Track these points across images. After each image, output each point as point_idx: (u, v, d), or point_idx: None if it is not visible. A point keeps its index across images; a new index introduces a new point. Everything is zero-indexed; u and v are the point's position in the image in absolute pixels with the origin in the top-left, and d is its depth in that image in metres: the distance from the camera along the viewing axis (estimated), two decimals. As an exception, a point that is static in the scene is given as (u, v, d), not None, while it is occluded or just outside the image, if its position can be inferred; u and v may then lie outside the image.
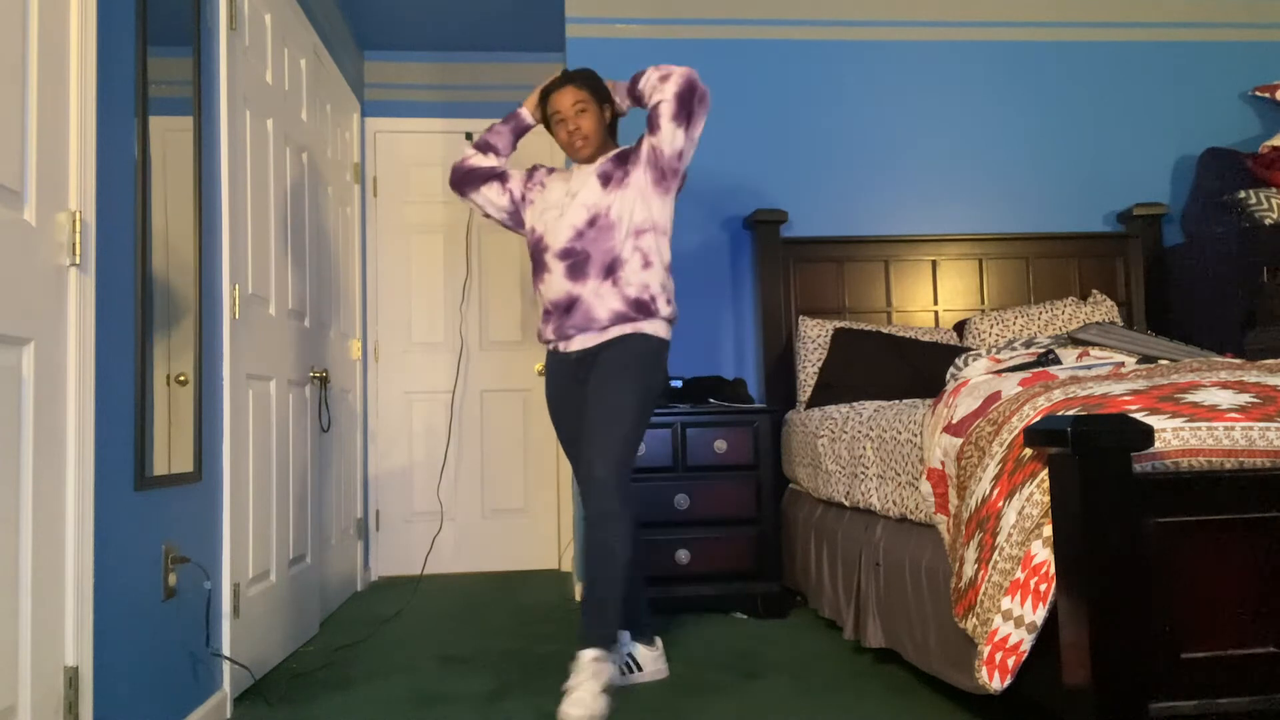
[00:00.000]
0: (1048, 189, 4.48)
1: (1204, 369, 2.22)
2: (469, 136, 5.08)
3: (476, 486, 5.02)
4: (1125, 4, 4.58)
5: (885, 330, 4.04)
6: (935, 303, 4.30)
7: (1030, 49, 4.52)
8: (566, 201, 2.82)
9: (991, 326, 4.06)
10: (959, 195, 4.44)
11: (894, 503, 2.76)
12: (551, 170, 3.01)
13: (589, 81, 2.86)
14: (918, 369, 3.77)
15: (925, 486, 2.40)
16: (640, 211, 2.77)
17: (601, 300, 2.73)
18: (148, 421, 2.22)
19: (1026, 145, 4.48)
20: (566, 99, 2.83)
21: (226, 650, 2.65)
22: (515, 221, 2.98)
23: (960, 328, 4.19)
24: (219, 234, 2.74)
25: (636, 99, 2.85)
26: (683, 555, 3.64)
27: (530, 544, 5.03)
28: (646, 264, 2.75)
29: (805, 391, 4.02)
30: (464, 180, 2.99)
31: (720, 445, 3.68)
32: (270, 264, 3.16)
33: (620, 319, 2.73)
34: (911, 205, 4.42)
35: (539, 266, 2.86)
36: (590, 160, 2.86)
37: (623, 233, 2.74)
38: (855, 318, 4.25)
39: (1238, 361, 2.40)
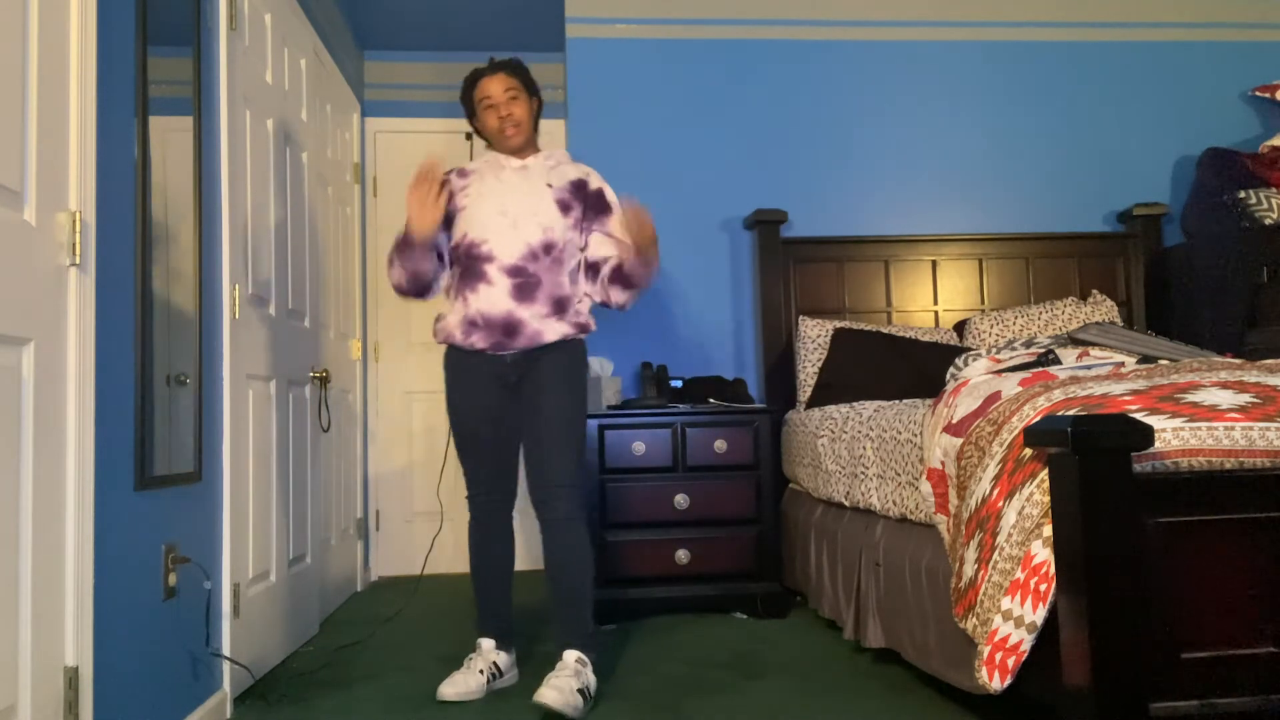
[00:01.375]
0: (1048, 189, 4.48)
1: (1204, 369, 2.22)
2: (469, 137, 5.10)
3: (476, 486, 5.02)
4: (1125, 4, 4.58)
5: (885, 330, 4.04)
6: (935, 303, 4.30)
7: (1030, 49, 4.53)
8: (514, 205, 2.71)
9: (991, 326, 4.06)
10: (959, 195, 4.44)
11: (894, 503, 2.76)
12: (465, 171, 2.84)
13: (520, 71, 2.80)
14: (918, 369, 3.77)
15: (925, 486, 2.40)
16: (578, 255, 2.80)
17: (551, 328, 2.72)
18: (148, 421, 2.22)
19: (1027, 145, 4.49)
20: (498, 84, 2.76)
21: (226, 650, 2.65)
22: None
23: (960, 328, 4.19)
24: (219, 234, 2.74)
25: (617, 274, 2.76)
26: (683, 555, 3.64)
27: (530, 544, 5.03)
28: (584, 300, 2.83)
29: (805, 391, 4.02)
30: (418, 296, 2.81)
31: (720, 445, 3.68)
32: (270, 264, 3.16)
33: (566, 337, 2.76)
34: (911, 205, 4.42)
35: (474, 275, 2.70)
36: (518, 152, 2.79)
37: (569, 272, 2.77)
38: (855, 318, 4.25)
39: (1238, 361, 2.40)
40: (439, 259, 2.79)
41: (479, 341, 2.72)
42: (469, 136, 5.12)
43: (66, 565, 1.86)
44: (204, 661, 2.54)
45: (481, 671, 2.75)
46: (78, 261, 1.90)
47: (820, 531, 3.45)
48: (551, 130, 5.14)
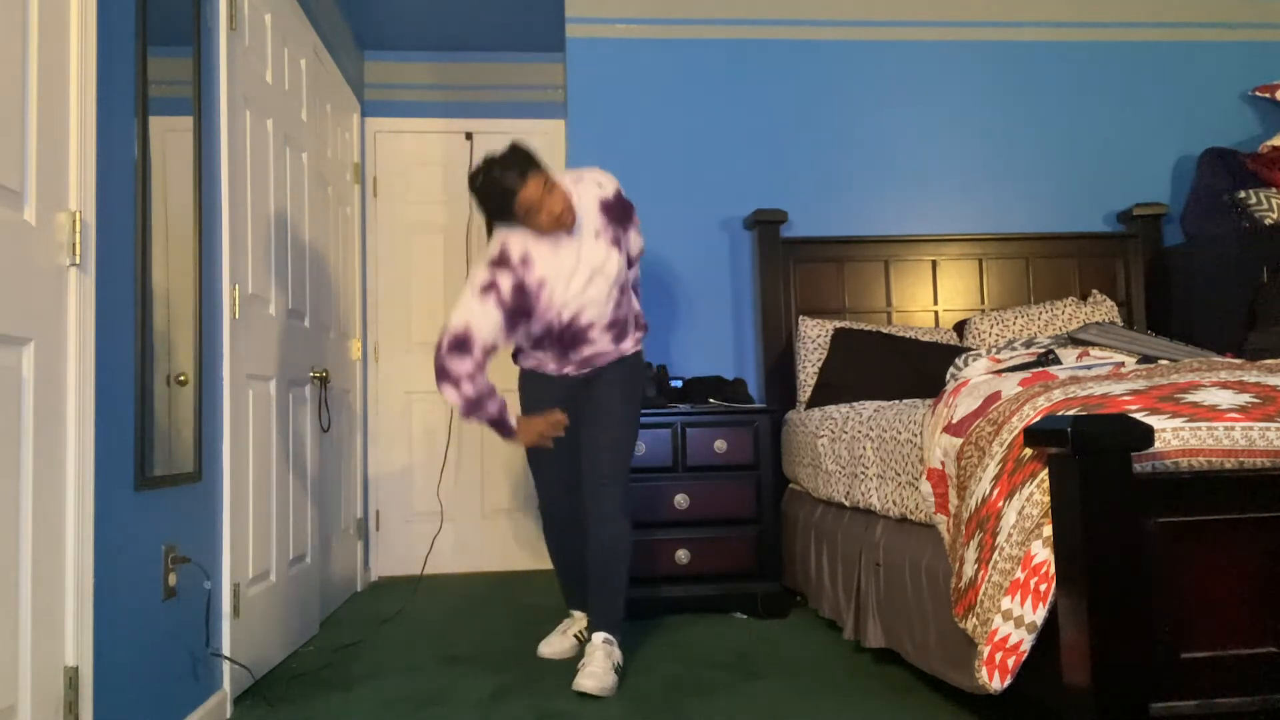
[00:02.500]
0: (1047, 189, 4.48)
1: (1204, 369, 2.22)
2: (468, 137, 5.10)
3: (476, 486, 5.02)
4: (1125, 4, 4.58)
5: (885, 330, 4.04)
6: (935, 303, 4.30)
7: (1030, 49, 4.53)
8: (585, 274, 2.80)
9: (991, 326, 4.06)
10: (959, 195, 4.44)
11: (894, 503, 2.76)
12: (522, 257, 2.74)
13: (533, 160, 2.69)
14: (918, 369, 3.77)
15: (925, 486, 2.40)
16: (628, 269, 2.96)
17: (619, 347, 2.99)
18: (148, 421, 2.22)
19: (1026, 145, 4.49)
20: (533, 190, 2.64)
21: (226, 650, 2.65)
22: (509, 331, 2.78)
23: (960, 328, 4.19)
24: (219, 234, 2.74)
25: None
26: (683, 555, 3.64)
27: (530, 544, 5.03)
28: (636, 330, 3.06)
29: (805, 391, 4.02)
30: (477, 405, 2.80)
31: (720, 445, 3.68)
32: (270, 264, 3.16)
33: (620, 353, 3.02)
34: (911, 205, 4.42)
35: (578, 340, 2.88)
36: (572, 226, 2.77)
37: (629, 287, 2.99)
38: (855, 318, 4.25)
39: (1238, 361, 2.40)
40: (482, 352, 2.78)
41: (572, 371, 3.00)
42: (469, 137, 5.12)
43: (66, 565, 1.86)
44: (204, 661, 2.54)
45: (576, 636, 3.17)
46: (78, 261, 1.90)
47: (820, 531, 3.45)
48: (551, 130, 5.14)
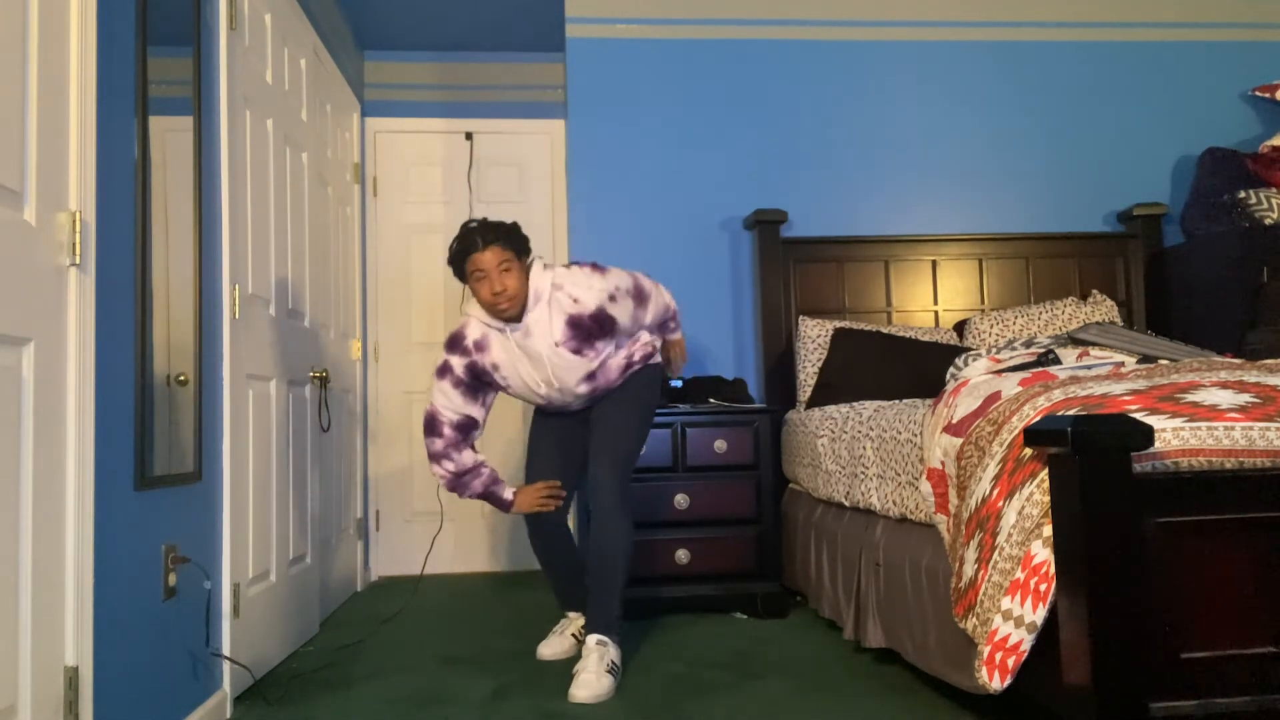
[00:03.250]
0: (1047, 189, 4.48)
1: (1204, 369, 2.22)
2: (469, 137, 5.10)
3: (476, 486, 5.02)
4: (1125, 4, 4.58)
5: (885, 330, 4.04)
6: (935, 303, 4.30)
7: (1030, 49, 4.53)
8: (552, 378, 2.88)
9: (991, 326, 4.06)
10: (959, 195, 4.44)
11: (894, 503, 2.76)
12: (479, 343, 2.89)
13: (511, 239, 2.78)
14: (918, 369, 3.77)
15: (925, 486, 2.40)
16: (625, 333, 2.96)
17: (616, 372, 2.99)
18: (148, 421, 2.22)
19: (1026, 145, 4.49)
20: (491, 257, 2.73)
21: (226, 650, 2.65)
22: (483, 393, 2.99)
23: (960, 328, 4.19)
24: (219, 234, 2.74)
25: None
26: (683, 555, 3.64)
27: (530, 544, 5.03)
28: (642, 343, 3.06)
29: (805, 391, 4.02)
30: (461, 486, 3.02)
31: (720, 445, 3.68)
32: (270, 264, 3.16)
33: (630, 368, 3.03)
34: (911, 205, 4.42)
35: (568, 395, 2.97)
36: (516, 319, 2.82)
37: (623, 350, 2.99)
38: (855, 318, 4.25)
39: (1238, 361, 2.40)
40: (463, 429, 2.97)
41: (560, 407, 3.08)
42: (469, 137, 5.12)
43: (66, 565, 1.86)
44: (204, 661, 2.54)
45: (575, 635, 3.15)
46: (78, 261, 1.90)
47: (820, 531, 3.45)
48: (551, 130, 5.14)
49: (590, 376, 2.91)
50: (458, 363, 2.88)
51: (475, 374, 2.89)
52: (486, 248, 2.74)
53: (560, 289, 2.81)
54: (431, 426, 2.91)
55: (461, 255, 2.79)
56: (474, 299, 2.86)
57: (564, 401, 2.98)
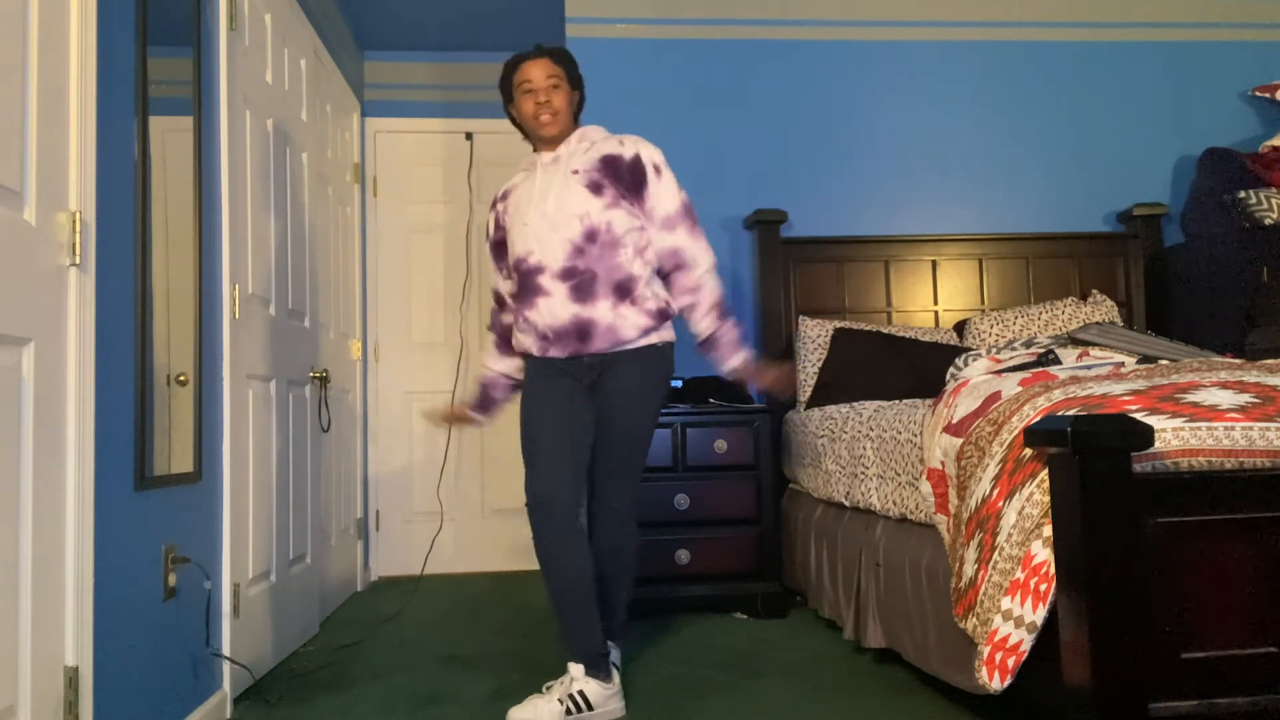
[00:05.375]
0: (1048, 189, 4.48)
1: (1204, 369, 2.22)
2: (469, 137, 5.10)
3: (476, 486, 5.02)
4: (1125, 4, 4.58)
5: (885, 330, 4.04)
6: (935, 303, 4.30)
7: (1030, 49, 4.53)
8: (548, 208, 2.58)
9: (991, 326, 4.06)
10: (959, 195, 4.44)
11: (894, 503, 2.76)
12: (506, 192, 2.76)
13: (565, 59, 2.69)
14: (918, 369, 3.77)
15: (925, 486, 2.40)
16: (639, 232, 2.62)
17: (625, 320, 2.58)
18: (148, 421, 2.22)
19: (1026, 145, 4.49)
20: (540, 70, 2.64)
21: (226, 650, 2.65)
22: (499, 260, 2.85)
23: (960, 328, 4.19)
24: (219, 234, 2.74)
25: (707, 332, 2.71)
26: (683, 555, 3.64)
27: (530, 544, 5.02)
28: (654, 275, 2.67)
29: (805, 391, 4.02)
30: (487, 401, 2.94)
31: (720, 445, 3.68)
32: (270, 264, 3.16)
33: (647, 331, 2.61)
34: (911, 205, 4.42)
35: (531, 290, 2.60)
36: (554, 142, 2.66)
37: (629, 251, 2.59)
38: (855, 318, 4.25)
39: (1238, 361, 2.40)
40: (504, 306, 2.85)
41: (557, 353, 2.61)
42: (469, 137, 5.12)
43: (66, 565, 1.86)
44: (204, 661, 2.54)
45: (560, 701, 2.49)
46: (78, 261, 1.90)
47: (820, 531, 3.45)
48: (551, 130, 5.13)
49: (589, 235, 2.55)
50: (491, 219, 2.81)
51: (497, 229, 2.78)
52: (539, 58, 2.66)
53: (610, 137, 2.69)
54: (495, 297, 2.88)
55: (512, 64, 2.69)
56: (513, 178, 2.75)
57: (539, 258, 2.58)
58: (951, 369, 2.91)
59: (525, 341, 2.68)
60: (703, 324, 2.70)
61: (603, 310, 2.56)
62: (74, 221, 1.90)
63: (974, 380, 2.43)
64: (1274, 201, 3.96)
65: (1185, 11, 4.60)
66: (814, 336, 4.05)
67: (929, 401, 2.66)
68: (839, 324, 4.08)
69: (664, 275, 2.70)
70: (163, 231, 2.37)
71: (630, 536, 2.70)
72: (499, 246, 2.80)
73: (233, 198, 2.80)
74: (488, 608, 4.02)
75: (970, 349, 3.80)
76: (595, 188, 2.58)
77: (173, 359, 2.40)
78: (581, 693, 2.52)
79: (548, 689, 2.57)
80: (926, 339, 4.02)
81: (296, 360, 3.43)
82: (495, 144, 5.13)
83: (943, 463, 2.32)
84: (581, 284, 2.56)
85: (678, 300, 2.70)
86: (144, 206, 2.23)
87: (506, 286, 2.81)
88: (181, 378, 2.45)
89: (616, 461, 2.66)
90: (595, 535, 2.70)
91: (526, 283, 2.61)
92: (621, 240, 2.58)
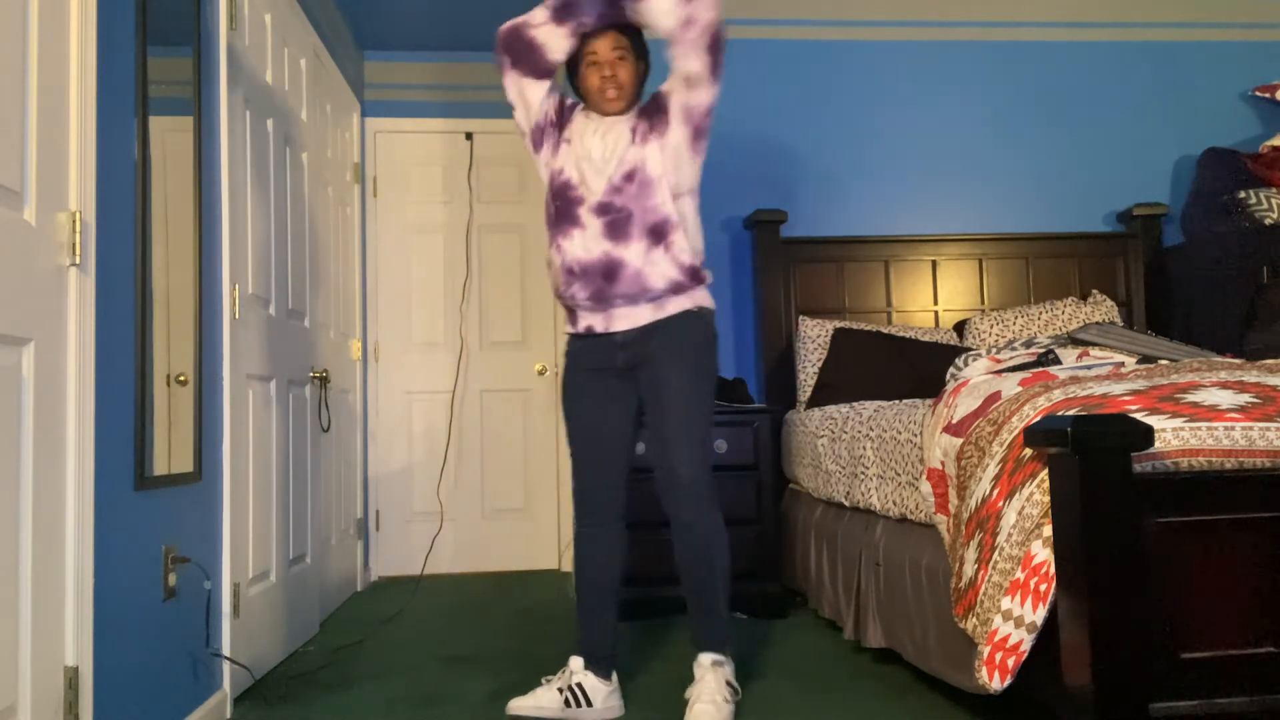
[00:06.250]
0: (1048, 189, 4.48)
1: (1204, 369, 2.22)
2: (469, 137, 5.09)
3: (476, 486, 5.02)
4: (1125, 4, 4.58)
5: (885, 330, 4.04)
6: (935, 303, 4.30)
7: (1030, 49, 4.53)
8: (600, 149, 2.56)
9: (991, 326, 4.06)
10: (959, 195, 4.44)
11: (894, 503, 2.76)
12: (576, 107, 2.68)
13: (632, 33, 2.61)
14: (918, 369, 3.77)
15: (925, 486, 2.40)
16: (675, 172, 2.56)
17: (655, 267, 2.50)
18: (148, 421, 2.22)
19: (1026, 145, 4.49)
20: (606, 42, 2.57)
21: (226, 650, 2.65)
22: (535, 138, 2.66)
23: (960, 328, 4.19)
24: (219, 234, 2.74)
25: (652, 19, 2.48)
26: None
27: (530, 544, 5.03)
28: (694, 228, 2.63)
29: (805, 391, 4.02)
30: (518, 50, 2.58)
31: (720, 445, 3.68)
32: (270, 264, 3.16)
33: (676, 289, 2.53)
34: (911, 205, 4.42)
35: (566, 219, 2.55)
36: (618, 114, 2.61)
37: (665, 192, 2.53)
38: (855, 318, 4.25)
39: (1238, 361, 2.40)
40: (549, 75, 2.61)
41: (579, 292, 2.53)
42: (469, 137, 5.12)
43: (66, 565, 1.86)
44: (204, 661, 2.54)
45: (561, 691, 2.51)
46: (78, 261, 1.90)
47: (820, 531, 3.45)
48: (551, 130, 5.13)
49: (627, 175, 2.51)
50: (553, 104, 2.64)
51: (559, 114, 2.65)
52: (605, 35, 2.57)
53: None
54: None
55: (580, 38, 2.59)
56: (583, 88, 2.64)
57: (580, 190, 2.55)
58: (951, 369, 2.91)
59: (554, 276, 2.63)
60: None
61: (634, 252, 2.49)
62: (74, 221, 1.90)
63: (974, 380, 2.43)
64: (1274, 201, 3.96)
65: (1185, 11, 4.60)
66: (814, 336, 4.05)
67: (929, 401, 2.66)
68: (839, 324, 4.08)
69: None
70: (163, 231, 2.37)
71: (706, 523, 2.51)
72: (538, 131, 2.64)
73: (233, 198, 2.80)
74: (488, 608, 4.02)
75: (970, 349, 3.80)
76: (632, 132, 2.56)
77: (173, 359, 2.40)
78: (580, 685, 2.52)
79: (547, 681, 2.60)
80: (926, 339, 4.02)
81: (296, 360, 3.43)
82: (495, 144, 5.13)
83: (943, 463, 2.32)
84: (616, 221, 2.51)
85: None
86: (144, 206, 2.23)
87: (551, 95, 2.65)
88: (181, 378, 2.45)
89: (671, 428, 2.51)
90: (672, 519, 2.55)
91: (565, 208, 2.57)
92: (656, 181, 2.53)
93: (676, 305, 2.55)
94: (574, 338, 2.66)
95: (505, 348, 5.08)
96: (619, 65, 2.58)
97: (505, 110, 5.16)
